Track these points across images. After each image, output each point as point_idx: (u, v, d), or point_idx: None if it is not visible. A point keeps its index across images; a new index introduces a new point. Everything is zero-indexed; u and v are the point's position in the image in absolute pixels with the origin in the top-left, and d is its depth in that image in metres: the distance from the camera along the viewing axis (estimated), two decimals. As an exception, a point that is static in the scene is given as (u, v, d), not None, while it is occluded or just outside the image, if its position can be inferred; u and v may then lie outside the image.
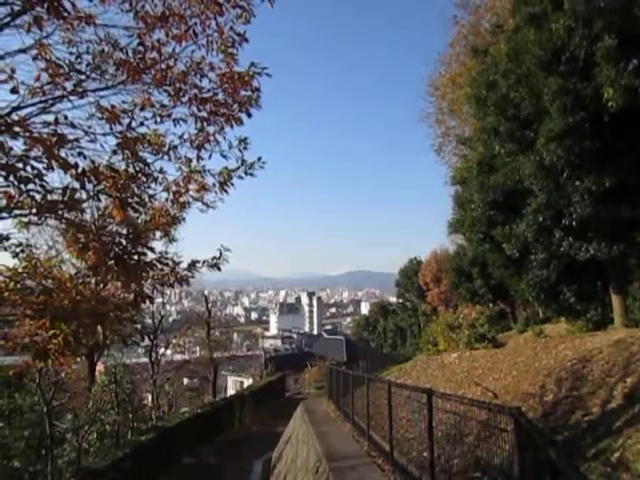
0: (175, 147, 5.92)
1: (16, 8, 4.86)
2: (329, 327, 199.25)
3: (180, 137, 5.93)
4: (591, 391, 8.51)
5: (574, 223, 12.97)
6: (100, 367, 24.46)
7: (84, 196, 5.09)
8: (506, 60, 14.25)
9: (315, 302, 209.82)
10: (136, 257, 5.65)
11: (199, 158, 6.04)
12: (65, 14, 4.84)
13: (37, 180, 4.69)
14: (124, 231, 5.76)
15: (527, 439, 4.57)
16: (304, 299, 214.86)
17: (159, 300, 28.46)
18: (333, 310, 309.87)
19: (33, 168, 4.67)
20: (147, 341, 26.29)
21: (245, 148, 6.02)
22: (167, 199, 6.15)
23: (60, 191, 4.91)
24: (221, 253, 6.10)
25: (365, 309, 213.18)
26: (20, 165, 4.63)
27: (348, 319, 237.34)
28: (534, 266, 14.33)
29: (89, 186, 5.02)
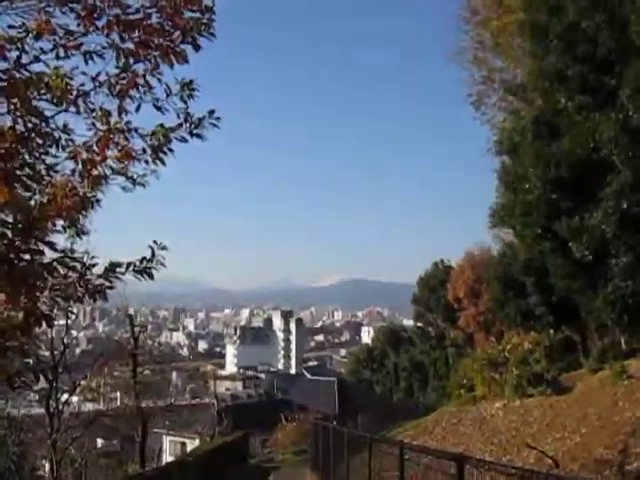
0: (87, 94, 5.89)
1: None
2: (314, 363, 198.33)
3: (94, 79, 5.90)
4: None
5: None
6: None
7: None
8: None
9: (294, 326, 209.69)
10: (27, 257, 5.60)
11: (122, 111, 6.02)
12: None
13: None
14: (9, 218, 5.71)
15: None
16: (277, 322, 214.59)
17: (61, 322, 28.26)
18: (320, 338, 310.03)
19: None
20: (43, 383, 26.09)
21: (191, 96, 6.00)
22: (74, 171, 6.12)
23: None
24: (153, 253, 6.05)
25: (367, 336, 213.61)
26: None
27: (342, 351, 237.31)
28: (615, 274, 14.46)
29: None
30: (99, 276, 6.06)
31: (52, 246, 5.86)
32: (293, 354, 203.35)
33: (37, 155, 5.72)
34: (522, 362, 19.45)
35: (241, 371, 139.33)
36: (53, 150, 5.87)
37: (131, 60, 5.90)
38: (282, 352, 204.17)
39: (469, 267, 54.40)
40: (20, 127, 5.49)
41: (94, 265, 6.05)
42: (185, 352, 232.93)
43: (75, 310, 31.32)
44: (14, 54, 5.46)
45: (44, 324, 5.97)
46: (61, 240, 6.83)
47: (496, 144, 20.60)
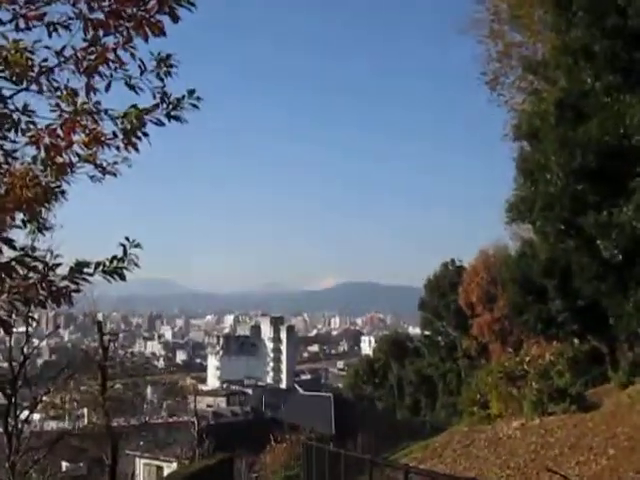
0: (50, 71, 5.87)
1: None
2: (307, 377, 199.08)
3: (59, 54, 5.87)
4: None
5: None
6: None
7: None
8: None
9: (285, 335, 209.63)
10: (-18, 256, 5.60)
11: (90, 90, 6.00)
12: None
13: None
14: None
15: None
16: (266, 330, 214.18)
17: (21, 329, 28.21)
18: (314, 348, 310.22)
19: None
20: (0, 398, 26.05)
21: (168, 74, 5.97)
22: (35, 158, 6.11)
23: None
24: (125, 251, 6.02)
25: (368, 347, 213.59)
26: None
27: (340, 363, 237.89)
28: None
29: None
30: (64, 277, 5.98)
31: (10, 243, 5.84)
32: (284, 366, 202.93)
33: (-7, 140, 5.70)
34: (543, 376, 19.49)
35: (225, 386, 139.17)
36: (12, 135, 5.85)
37: (101, 32, 5.84)
38: (271, 364, 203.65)
39: (483, 268, 54.34)
40: (-26, 108, 5.47)
41: (58, 265, 5.97)
42: (161, 364, 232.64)
43: (36, 316, 31.28)
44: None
45: (1, 331, 5.93)
46: (21, 236, 6.82)
47: (514, 129, 20.63)
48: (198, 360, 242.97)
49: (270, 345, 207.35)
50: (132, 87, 5.99)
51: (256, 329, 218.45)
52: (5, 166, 5.90)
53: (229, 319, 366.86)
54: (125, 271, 6.04)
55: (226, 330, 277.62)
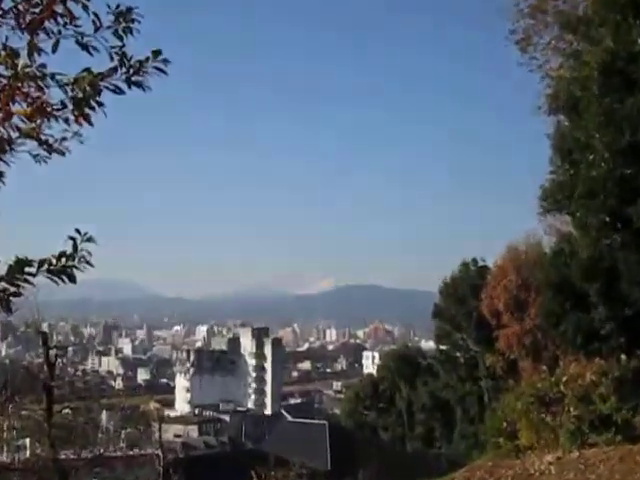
0: (-17, 26, 5.86)
1: None
2: (298, 401, 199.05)
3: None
4: None
5: None
6: None
7: None
8: None
9: (270, 349, 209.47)
10: None
11: (34, 50, 5.98)
12: None
13: None
14: None
15: None
16: (247, 343, 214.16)
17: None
18: (306, 365, 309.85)
19: None
20: None
21: (128, 30, 5.96)
22: (-35, 133, 6.10)
23: None
24: (76, 246, 5.97)
25: (372, 364, 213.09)
26: None
27: (337, 384, 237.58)
28: None
29: None
30: (1, 279, 5.99)
31: None
32: (268, 388, 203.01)
33: None
34: (583, 399, 19.48)
35: (196, 411, 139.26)
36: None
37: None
38: (253, 385, 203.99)
39: (512, 268, 54.21)
40: None
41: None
42: (119, 384, 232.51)
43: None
44: None
45: None
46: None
47: (549, 99, 20.63)
48: (164, 380, 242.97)
49: (252, 362, 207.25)
50: (85, 47, 5.95)
51: (235, 342, 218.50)
52: None
53: (201, 330, 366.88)
54: (75, 271, 5.97)
55: (198, 344, 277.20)
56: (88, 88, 5.96)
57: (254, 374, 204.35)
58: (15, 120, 6.06)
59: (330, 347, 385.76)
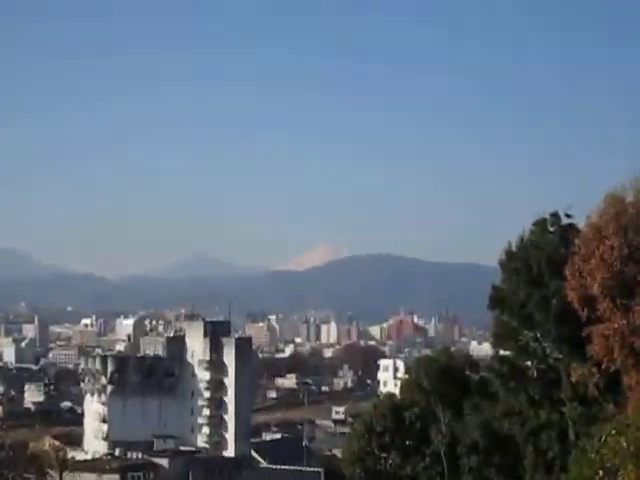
0: None
1: None
2: (276, 436, 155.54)
3: None
4: None
5: None
6: None
7: None
8: None
9: (233, 355, 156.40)
10: None
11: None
12: None
13: None
14: None
15: None
16: (195, 344, 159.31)
17: None
18: (290, 381, 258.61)
19: None
20: None
21: None
22: None
23: None
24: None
25: (392, 379, 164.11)
26: None
27: (338, 409, 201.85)
28: None
29: None
30: None
31: None
32: (230, 415, 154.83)
33: None
34: None
35: (117, 452, 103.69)
36: None
37: None
38: (206, 412, 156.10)
39: (614, 227, 39.97)
40: None
41: None
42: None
43: None
44: None
45: None
46: None
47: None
48: (66, 403, 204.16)
49: (204, 375, 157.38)
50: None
51: (176, 344, 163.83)
52: None
53: (125, 325, 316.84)
54: None
55: (119, 346, 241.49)
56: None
57: (207, 394, 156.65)
58: None
59: (327, 352, 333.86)
